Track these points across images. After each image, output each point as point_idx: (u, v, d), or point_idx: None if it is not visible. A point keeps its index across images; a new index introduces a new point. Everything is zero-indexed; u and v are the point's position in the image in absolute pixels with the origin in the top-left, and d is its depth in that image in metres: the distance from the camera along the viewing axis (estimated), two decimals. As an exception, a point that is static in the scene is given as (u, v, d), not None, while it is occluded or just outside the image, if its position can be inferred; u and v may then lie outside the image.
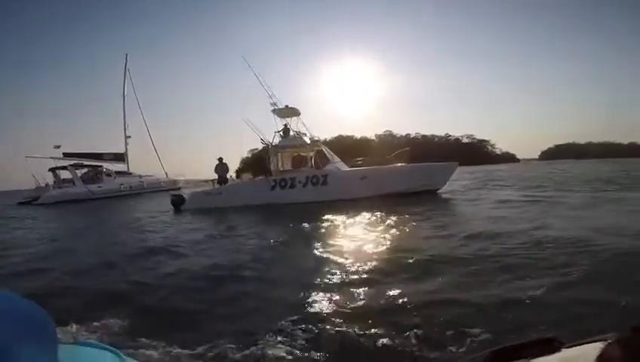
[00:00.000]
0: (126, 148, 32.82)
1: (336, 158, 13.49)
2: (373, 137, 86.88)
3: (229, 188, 13.05)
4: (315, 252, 4.93)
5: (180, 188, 32.56)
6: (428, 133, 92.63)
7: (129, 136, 33.16)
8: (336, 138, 71.04)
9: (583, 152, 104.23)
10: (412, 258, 4.17)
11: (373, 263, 4.07)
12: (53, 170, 28.90)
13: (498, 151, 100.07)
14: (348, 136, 78.81)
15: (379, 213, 8.24)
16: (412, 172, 12.78)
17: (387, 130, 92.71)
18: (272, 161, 13.10)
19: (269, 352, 2.28)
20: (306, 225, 7.49)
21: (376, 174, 12.45)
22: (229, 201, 12.11)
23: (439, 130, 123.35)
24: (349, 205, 9.93)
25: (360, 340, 2.40)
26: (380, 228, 6.59)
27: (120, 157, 32.03)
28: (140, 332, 2.71)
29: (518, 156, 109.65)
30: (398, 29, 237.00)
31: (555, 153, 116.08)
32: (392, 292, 3.18)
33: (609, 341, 0.34)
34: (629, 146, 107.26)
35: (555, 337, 0.42)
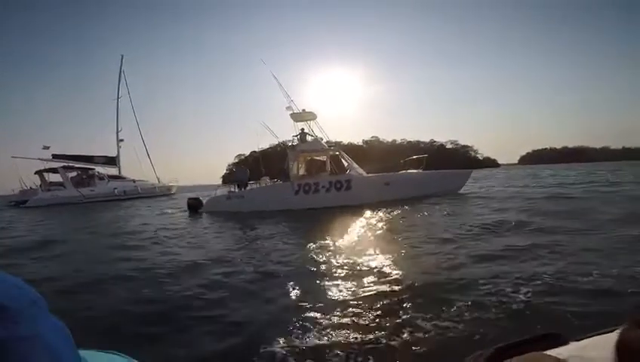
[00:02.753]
0: (118, 152, 31.66)
1: (355, 164, 13.58)
2: (361, 143, 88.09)
3: (252, 192, 12.83)
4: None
5: (173, 193, 31.96)
6: (413, 138, 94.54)
7: (121, 140, 31.99)
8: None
9: (559, 157, 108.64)
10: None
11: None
12: (40, 172, 27.54)
13: (480, 157, 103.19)
14: (337, 143, 79.19)
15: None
16: (432, 178, 13.36)
17: (374, 136, 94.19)
18: (291, 165, 12.98)
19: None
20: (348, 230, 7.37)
21: (399, 180, 12.78)
22: (251, 205, 11.90)
23: (424, 136, 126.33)
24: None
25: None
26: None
27: (112, 161, 30.84)
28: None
29: (499, 161, 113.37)
30: (381, 37, 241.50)
31: (534, 158, 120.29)
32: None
33: (624, 326, 0.33)
34: (603, 150, 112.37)
35: (558, 333, 0.42)
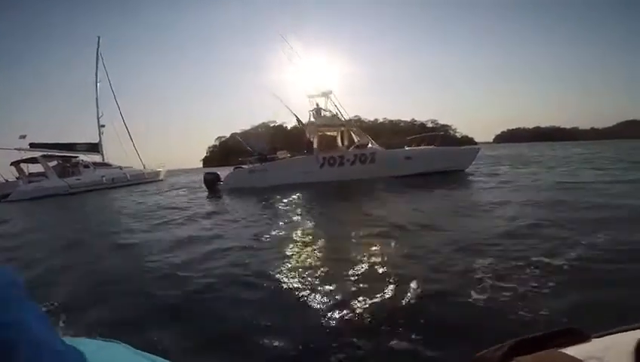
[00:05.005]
0: (100, 138, 30.11)
1: (370, 138, 13.65)
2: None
3: (275, 165, 12.56)
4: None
5: (162, 179, 31.01)
6: (394, 118, 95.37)
7: (103, 125, 30.39)
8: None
9: (532, 136, 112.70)
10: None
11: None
12: (17, 163, 25.67)
13: (458, 135, 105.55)
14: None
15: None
16: (447, 154, 13.74)
17: (356, 115, 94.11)
18: (311, 139, 12.98)
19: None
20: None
21: (419, 155, 13.00)
22: (275, 179, 11.67)
23: (405, 115, 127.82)
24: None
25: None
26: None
27: (94, 148, 29.34)
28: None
29: (476, 140, 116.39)
30: (364, 17, 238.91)
31: (508, 137, 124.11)
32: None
33: None
34: (572, 130, 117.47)
35: (579, 328, 0.40)
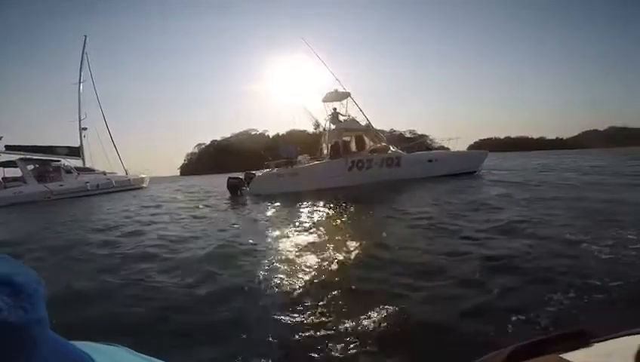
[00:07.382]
0: (81, 142, 28.46)
1: (388, 142, 13.83)
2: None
3: (306, 169, 12.31)
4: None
5: (146, 186, 29.71)
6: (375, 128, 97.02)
7: (85, 128, 28.72)
8: (288, 132, 70.40)
9: (504, 145, 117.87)
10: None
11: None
12: (-12, 166, 23.69)
13: (435, 145, 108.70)
14: (301, 131, 78.35)
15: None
16: (462, 157, 14.35)
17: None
18: (339, 143, 13.08)
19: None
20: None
21: (440, 158, 13.50)
22: (305, 184, 11.40)
23: (383, 125, 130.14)
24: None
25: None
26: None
27: (75, 152, 27.65)
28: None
29: (451, 149, 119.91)
30: (346, 27, 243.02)
31: (481, 146, 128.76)
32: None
33: None
34: (539, 141, 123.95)
35: (583, 330, 0.41)
